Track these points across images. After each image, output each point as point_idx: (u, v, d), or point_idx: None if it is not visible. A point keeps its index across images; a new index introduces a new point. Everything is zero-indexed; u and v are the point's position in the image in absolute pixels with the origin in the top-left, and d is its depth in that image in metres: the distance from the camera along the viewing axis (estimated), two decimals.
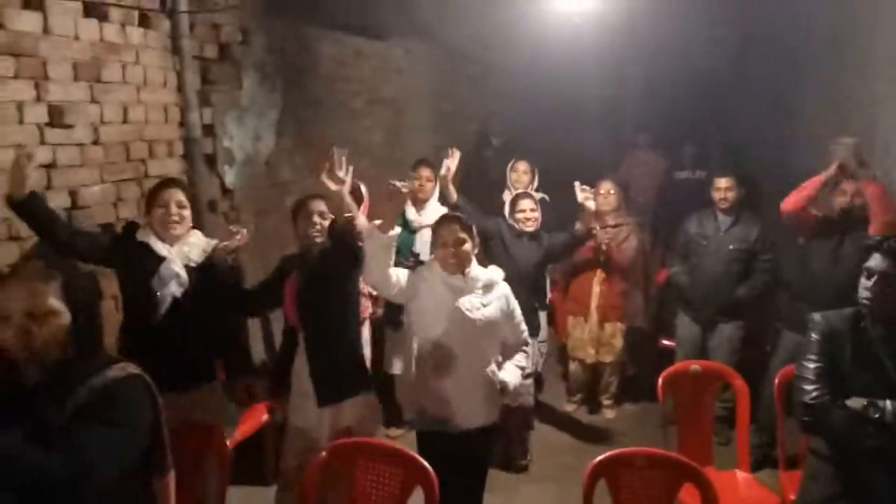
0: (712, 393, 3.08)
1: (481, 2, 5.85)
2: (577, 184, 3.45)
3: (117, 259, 2.53)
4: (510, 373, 2.62)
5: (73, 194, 2.65)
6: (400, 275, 2.56)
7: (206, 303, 2.53)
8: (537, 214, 3.47)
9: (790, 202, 3.32)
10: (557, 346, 4.73)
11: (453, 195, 3.50)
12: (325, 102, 4.40)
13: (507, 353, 2.67)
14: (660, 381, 2.90)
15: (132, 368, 1.53)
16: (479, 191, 4.42)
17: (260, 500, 3.18)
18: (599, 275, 4.06)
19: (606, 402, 4.31)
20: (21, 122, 2.44)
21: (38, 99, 2.50)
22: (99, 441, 1.41)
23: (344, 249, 2.49)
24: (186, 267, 2.51)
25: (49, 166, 2.55)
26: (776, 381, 2.89)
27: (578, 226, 3.45)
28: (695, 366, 3.03)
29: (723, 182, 3.79)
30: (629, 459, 2.21)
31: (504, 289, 2.65)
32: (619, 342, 4.13)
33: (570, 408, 4.35)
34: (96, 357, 1.53)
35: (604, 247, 3.96)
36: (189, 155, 3.32)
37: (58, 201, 2.57)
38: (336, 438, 2.55)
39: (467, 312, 2.51)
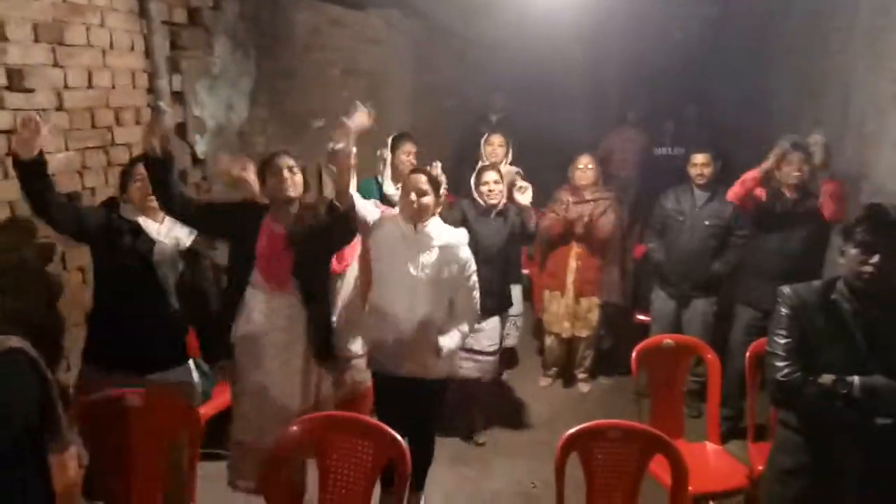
0: (684, 367, 3.11)
1: None
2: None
3: (99, 236, 2.50)
4: (450, 337, 2.72)
5: None
6: (368, 205, 2.69)
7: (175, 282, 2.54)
8: (501, 187, 3.43)
9: (734, 194, 3.51)
10: (534, 320, 4.75)
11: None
12: (300, 72, 4.30)
13: (454, 316, 2.76)
14: (633, 354, 2.92)
15: (13, 342, 1.47)
16: (475, 167, 4.32)
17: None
18: (576, 249, 4.05)
19: (581, 376, 4.34)
20: None
21: None
22: None
23: (345, 227, 2.54)
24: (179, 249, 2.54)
25: (9, 132, 2.45)
26: (746, 355, 2.93)
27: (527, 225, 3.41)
28: (667, 340, 3.05)
29: (699, 158, 3.80)
30: (601, 432, 2.22)
31: (462, 253, 2.72)
32: (594, 317, 4.15)
33: (545, 382, 4.37)
34: None
35: (585, 219, 3.95)
36: None
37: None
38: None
39: (412, 270, 2.64)
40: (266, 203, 2.64)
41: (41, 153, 2.27)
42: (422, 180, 2.67)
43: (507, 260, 3.48)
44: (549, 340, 4.29)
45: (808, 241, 3.44)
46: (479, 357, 3.46)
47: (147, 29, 3.10)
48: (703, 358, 3.02)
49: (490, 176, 3.43)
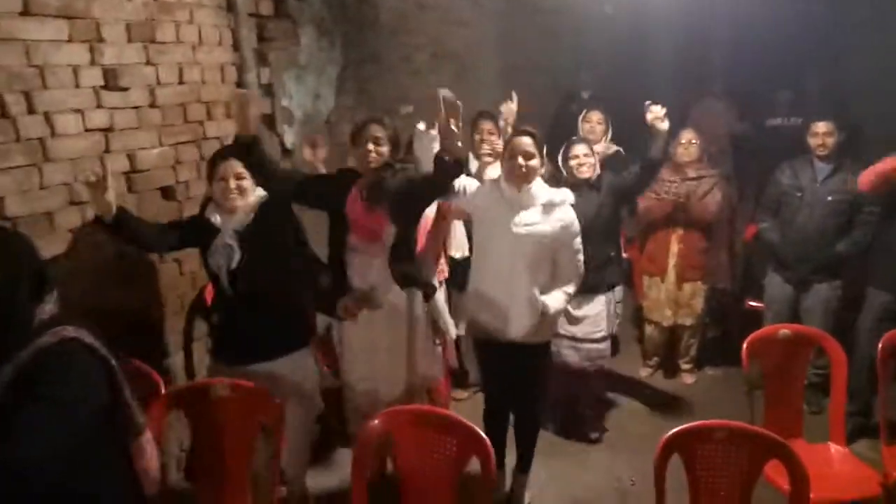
0: (803, 359, 2.81)
1: None
2: (647, 104, 3.13)
3: (193, 243, 2.60)
4: (554, 297, 2.66)
5: (130, 158, 2.64)
6: (466, 182, 2.71)
7: (267, 265, 2.51)
8: (592, 160, 3.22)
9: (868, 183, 3.16)
10: (634, 306, 4.50)
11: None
12: (386, 58, 4.25)
13: (558, 278, 2.69)
14: (744, 345, 2.66)
15: (68, 332, 1.42)
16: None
17: (325, 460, 3.20)
18: (678, 231, 3.78)
19: (685, 367, 4.06)
20: (77, 86, 2.43)
21: (93, 62, 2.48)
22: (30, 422, 1.32)
23: (445, 179, 2.49)
24: (238, 232, 2.48)
25: (106, 130, 2.55)
26: (879, 345, 2.60)
27: (652, 151, 3.12)
28: (784, 330, 2.76)
29: (821, 127, 3.42)
30: (707, 433, 2.02)
31: (566, 213, 2.66)
32: (699, 303, 3.86)
33: (645, 372, 4.13)
34: (27, 325, 1.41)
35: (692, 198, 3.67)
36: None
37: (116, 165, 2.57)
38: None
39: (514, 227, 2.61)
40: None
41: (121, 210, 2.31)
42: (527, 143, 2.60)
43: (605, 234, 3.23)
44: (648, 329, 4.04)
45: None
46: (584, 345, 3.28)
47: (234, 23, 3.15)
48: (826, 350, 2.71)
49: (580, 149, 3.23)
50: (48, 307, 1.45)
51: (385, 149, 2.61)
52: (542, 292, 2.66)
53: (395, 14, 4.34)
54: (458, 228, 3.42)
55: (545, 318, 2.66)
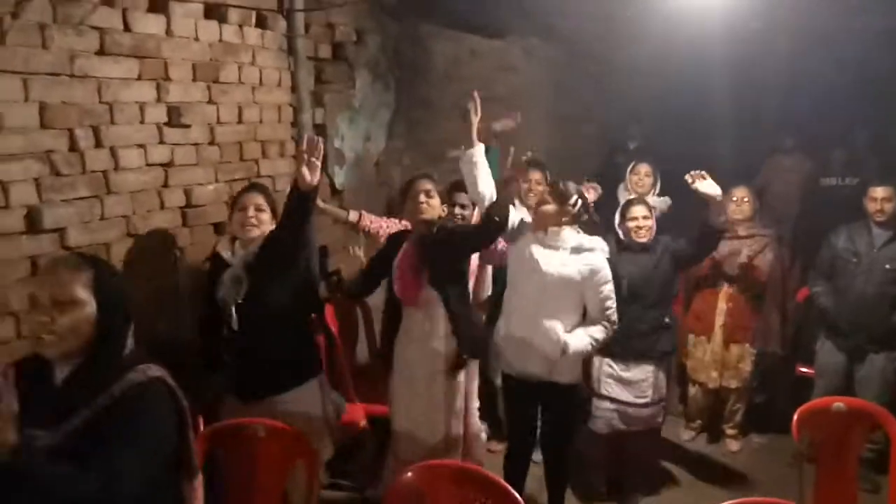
0: (860, 435, 2.66)
1: None
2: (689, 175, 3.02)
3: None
4: (577, 336, 2.62)
5: (187, 193, 2.72)
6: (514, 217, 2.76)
7: (273, 293, 2.50)
8: (651, 223, 3.15)
9: None
10: (677, 364, 4.36)
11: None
12: (437, 103, 4.32)
13: (587, 324, 2.67)
14: (795, 416, 2.54)
15: (154, 371, 1.48)
16: (608, 197, 4.03)
17: None
18: (727, 290, 3.67)
19: (730, 433, 3.89)
20: (142, 122, 2.53)
21: (159, 99, 2.58)
22: (124, 452, 1.38)
23: (494, 232, 2.62)
24: (248, 262, 2.50)
25: (166, 165, 2.63)
26: None
27: (712, 218, 2.98)
28: (838, 403, 2.63)
29: (879, 192, 3.32)
30: None
31: (594, 259, 2.68)
32: (746, 366, 3.72)
33: (687, 435, 3.97)
34: (120, 357, 1.48)
35: (742, 258, 3.56)
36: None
37: (173, 200, 2.65)
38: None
39: (542, 265, 2.64)
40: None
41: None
42: (544, 191, 2.82)
43: (658, 299, 3.14)
44: (692, 390, 3.90)
45: None
46: (627, 409, 3.16)
47: (294, 65, 3.24)
48: (885, 428, 2.57)
49: (639, 210, 3.16)
50: (129, 342, 1.51)
51: (435, 200, 2.70)
52: (567, 332, 2.64)
53: (447, 60, 4.41)
54: (487, 269, 3.41)
55: (566, 357, 2.61)
